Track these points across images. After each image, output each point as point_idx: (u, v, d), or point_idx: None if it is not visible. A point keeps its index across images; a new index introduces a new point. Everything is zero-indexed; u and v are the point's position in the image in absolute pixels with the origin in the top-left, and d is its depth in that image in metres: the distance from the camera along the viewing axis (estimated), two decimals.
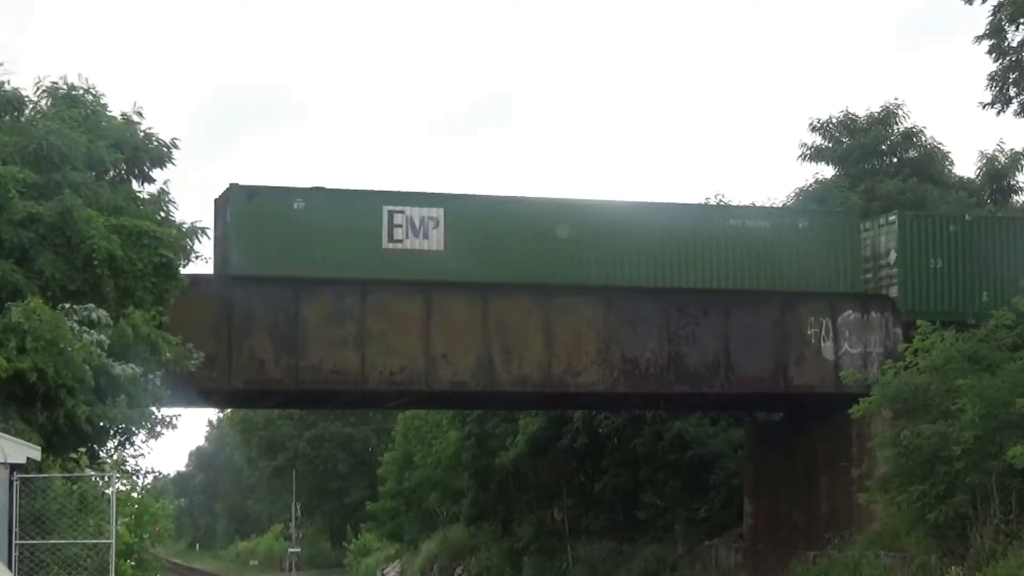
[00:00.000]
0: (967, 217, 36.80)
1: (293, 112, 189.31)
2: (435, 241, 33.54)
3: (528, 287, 34.89)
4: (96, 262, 24.54)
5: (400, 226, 33.53)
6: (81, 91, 28.61)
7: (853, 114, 44.23)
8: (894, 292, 35.79)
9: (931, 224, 36.28)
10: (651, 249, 34.89)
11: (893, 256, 35.46)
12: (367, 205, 33.55)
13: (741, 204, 38.60)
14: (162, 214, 27.63)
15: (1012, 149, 44.22)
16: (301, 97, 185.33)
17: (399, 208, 33.53)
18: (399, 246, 33.49)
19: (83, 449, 22.05)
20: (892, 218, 35.90)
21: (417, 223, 33.58)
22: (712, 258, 35.24)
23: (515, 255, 34.02)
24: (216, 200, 33.09)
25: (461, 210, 34.03)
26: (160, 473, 29.92)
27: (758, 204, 48.35)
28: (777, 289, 36.10)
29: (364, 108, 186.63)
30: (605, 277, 34.69)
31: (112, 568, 20.13)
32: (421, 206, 33.80)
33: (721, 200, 48.71)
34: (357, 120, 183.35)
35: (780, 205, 45.22)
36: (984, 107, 35.71)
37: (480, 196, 35.20)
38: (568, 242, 34.16)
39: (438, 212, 33.67)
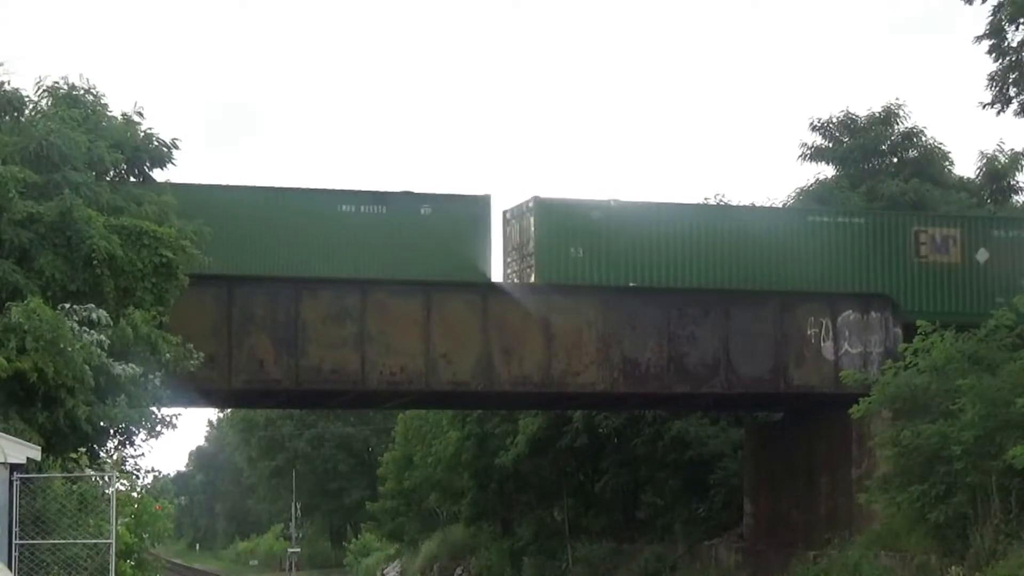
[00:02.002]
0: (612, 203, 35.52)
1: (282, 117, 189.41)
2: None
3: (529, 286, 34.97)
4: (96, 262, 24.54)
5: None
6: (81, 91, 28.60)
7: (854, 114, 44.26)
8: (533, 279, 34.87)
9: (573, 211, 34.97)
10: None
11: (532, 244, 34.54)
12: None
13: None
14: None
15: (1012, 149, 44.22)
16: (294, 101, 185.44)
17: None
18: None
19: (83, 449, 22.03)
20: (532, 205, 34.81)
21: None
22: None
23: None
24: None
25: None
26: (160, 473, 29.93)
27: (758, 204, 48.49)
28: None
29: (363, 110, 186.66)
30: None
31: (112, 568, 20.12)
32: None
33: (722, 200, 48.77)
34: (356, 124, 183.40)
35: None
36: (984, 107, 35.72)
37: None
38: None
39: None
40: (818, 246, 36.40)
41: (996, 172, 44.29)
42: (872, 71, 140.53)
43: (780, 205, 45.38)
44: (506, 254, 35.66)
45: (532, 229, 34.63)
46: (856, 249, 36.57)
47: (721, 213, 37.06)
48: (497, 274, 35.40)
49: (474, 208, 34.30)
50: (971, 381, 28.95)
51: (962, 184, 44.00)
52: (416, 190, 34.73)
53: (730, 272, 35.71)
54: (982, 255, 37.17)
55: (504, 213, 35.73)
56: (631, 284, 35.10)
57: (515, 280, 35.23)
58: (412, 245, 33.11)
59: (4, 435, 19.66)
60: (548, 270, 34.53)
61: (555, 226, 34.59)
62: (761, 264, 35.94)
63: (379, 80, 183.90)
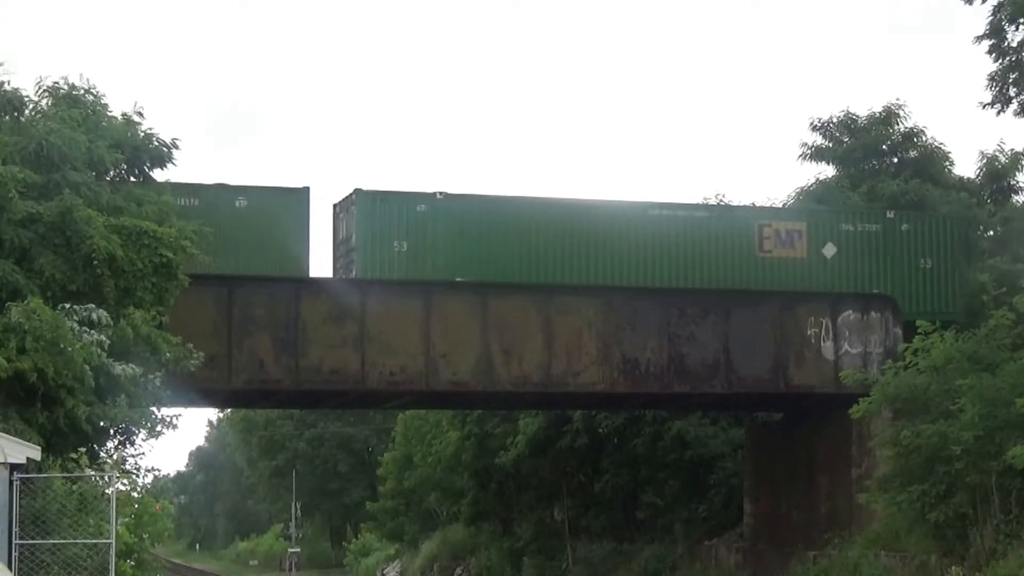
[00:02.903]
0: (439, 195, 34.42)
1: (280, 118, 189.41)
2: None
3: (529, 287, 34.98)
4: (96, 262, 24.53)
5: None
6: (81, 91, 28.60)
7: (854, 114, 44.18)
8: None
9: (396, 204, 33.96)
10: None
11: (354, 239, 33.71)
12: None
13: None
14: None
15: (1012, 149, 44.15)
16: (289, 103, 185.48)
17: None
18: None
19: (83, 449, 22.04)
20: (354, 198, 33.95)
21: None
22: None
23: None
24: None
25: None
26: (160, 473, 29.95)
27: (759, 204, 48.47)
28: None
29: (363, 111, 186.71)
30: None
31: (112, 568, 20.12)
32: None
33: (722, 200, 48.76)
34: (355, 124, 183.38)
35: None
36: (984, 107, 35.70)
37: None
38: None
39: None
40: (659, 241, 35.53)
41: (996, 172, 44.22)
42: (872, 71, 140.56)
43: (781, 204, 45.31)
44: (335, 248, 34.81)
45: (354, 222, 33.88)
46: (697, 243, 35.73)
47: (558, 206, 35.50)
48: (324, 268, 34.62)
49: (291, 201, 33.44)
50: (971, 381, 28.95)
51: (962, 184, 43.92)
52: (232, 183, 33.62)
53: (560, 267, 34.81)
54: (829, 250, 36.63)
55: (333, 207, 34.93)
56: (457, 280, 34.26)
57: (342, 275, 34.36)
58: (225, 237, 31.45)
59: (4, 435, 19.66)
60: (369, 264, 33.73)
61: (377, 219, 33.71)
62: (597, 258, 35.10)
63: (379, 80, 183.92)
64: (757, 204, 43.71)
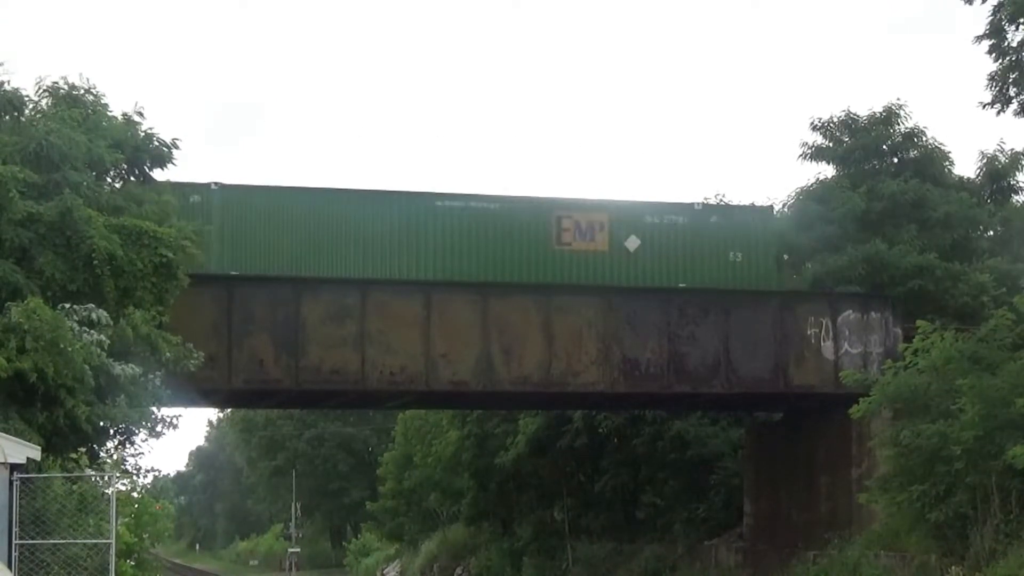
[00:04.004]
0: (213, 186, 33.46)
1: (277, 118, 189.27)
2: None
3: (529, 287, 34.97)
4: (96, 262, 24.54)
5: None
6: (81, 91, 28.61)
7: (854, 114, 44.10)
8: None
9: (172, 195, 31.82)
10: None
11: None
12: None
13: None
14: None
15: (1012, 149, 44.12)
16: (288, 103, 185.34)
17: None
18: None
19: (83, 449, 22.05)
20: None
21: None
22: None
23: None
24: None
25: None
26: (160, 473, 29.93)
27: (758, 204, 48.40)
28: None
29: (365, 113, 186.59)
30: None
31: (112, 568, 20.12)
32: None
33: (722, 200, 48.70)
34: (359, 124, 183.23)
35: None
36: (984, 107, 35.62)
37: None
38: None
39: None
40: (449, 233, 34.85)
41: (996, 172, 44.21)
42: (872, 71, 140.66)
43: (783, 204, 45.25)
44: None
45: None
46: (490, 236, 34.90)
47: (343, 197, 34.60)
48: None
49: None
50: (971, 381, 28.92)
51: (962, 184, 43.91)
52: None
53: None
54: (632, 242, 35.83)
55: None
56: (231, 273, 33.60)
57: None
58: None
59: (4, 435, 19.66)
60: None
61: None
62: (396, 250, 34.51)
63: (379, 79, 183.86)
64: (756, 204, 43.68)
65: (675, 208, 36.87)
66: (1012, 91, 34.68)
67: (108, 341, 23.38)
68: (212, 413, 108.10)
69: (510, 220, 35.42)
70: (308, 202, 34.66)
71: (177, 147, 29.20)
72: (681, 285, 36.01)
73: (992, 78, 34.95)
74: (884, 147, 44.46)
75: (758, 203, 47.13)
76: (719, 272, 36.53)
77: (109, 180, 27.84)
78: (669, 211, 36.58)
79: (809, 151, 44.54)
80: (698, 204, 37.17)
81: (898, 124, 44.32)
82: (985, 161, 44.37)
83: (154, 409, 24.90)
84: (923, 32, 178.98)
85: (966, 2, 35.24)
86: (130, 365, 23.72)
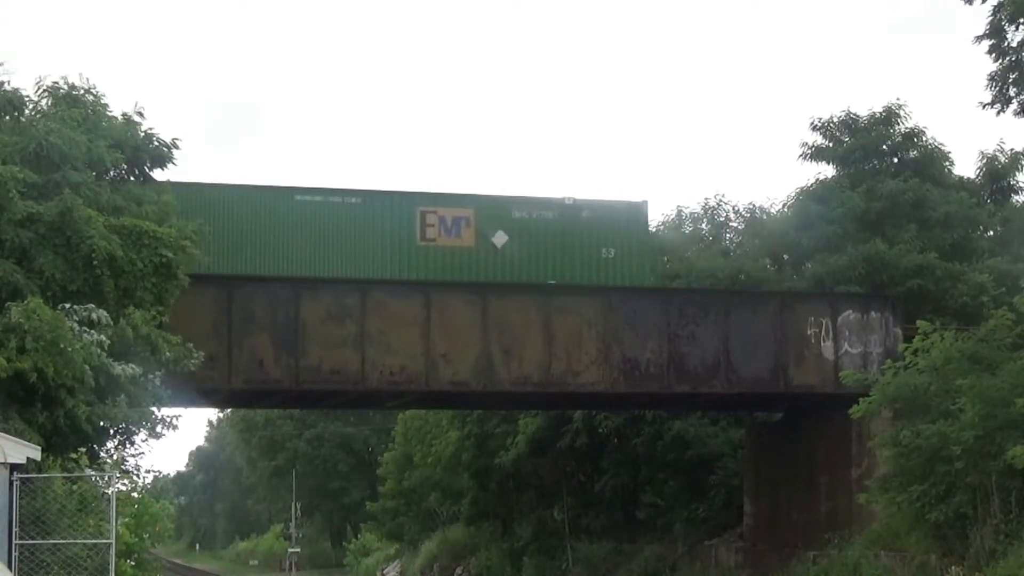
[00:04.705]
0: None
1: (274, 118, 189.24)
2: None
3: (529, 287, 34.94)
4: (96, 262, 24.53)
5: None
6: (81, 91, 28.59)
7: (855, 114, 44.20)
8: None
9: None
10: None
11: None
12: None
13: None
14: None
15: (1012, 149, 44.21)
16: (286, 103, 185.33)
17: None
18: None
19: (83, 449, 22.05)
20: None
21: None
22: None
23: None
24: None
25: None
26: (160, 473, 29.92)
27: (758, 204, 48.43)
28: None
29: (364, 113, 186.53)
30: None
31: (112, 568, 20.12)
32: None
33: (721, 200, 48.75)
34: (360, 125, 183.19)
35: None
36: (984, 107, 35.65)
37: None
38: None
39: None
40: (309, 228, 34.15)
41: (996, 172, 44.29)
42: (872, 71, 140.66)
43: (783, 204, 45.29)
44: None
45: None
46: (352, 231, 34.26)
47: (200, 191, 33.46)
48: None
49: None
50: (971, 381, 28.93)
51: (962, 184, 43.97)
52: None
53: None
54: (500, 238, 35.17)
55: None
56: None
57: None
58: None
59: (4, 435, 19.65)
60: None
61: None
62: (241, 246, 33.73)
63: (379, 79, 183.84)
64: (758, 204, 43.74)
65: (545, 203, 36.05)
66: (1012, 91, 34.69)
67: (108, 341, 23.38)
68: (212, 413, 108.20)
69: (372, 215, 34.57)
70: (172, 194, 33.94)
71: (177, 147, 29.21)
72: (551, 282, 35.15)
73: (992, 78, 34.96)
74: (884, 147, 44.53)
75: (757, 203, 47.28)
76: (591, 268, 35.71)
77: (109, 180, 27.80)
78: (538, 206, 35.79)
79: (809, 151, 44.62)
80: (569, 199, 36.20)
81: (898, 124, 44.40)
82: (985, 161, 44.44)
83: (154, 409, 24.89)
84: (923, 32, 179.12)
85: (966, 2, 35.25)
86: (130, 365, 23.71)
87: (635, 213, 36.43)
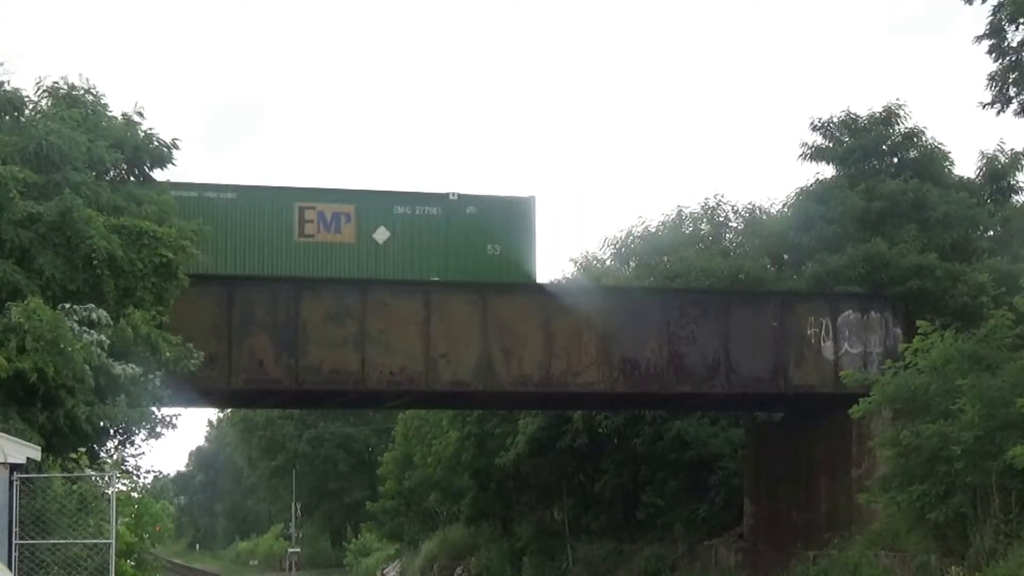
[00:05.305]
0: None
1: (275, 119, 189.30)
2: None
3: (530, 287, 34.94)
4: (96, 262, 24.53)
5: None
6: (81, 91, 28.59)
7: (854, 114, 44.17)
8: None
9: None
10: None
11: None
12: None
13: None
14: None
15: (1012, 149, 44.18)
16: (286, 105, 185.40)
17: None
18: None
19: (83, 449, 22.04)
20: None
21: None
22: None
23: None
24: None
25: None
26: (160, 473, 29.90)
27: (757, 204, 48.42)
28: None
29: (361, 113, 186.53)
30: None
31: (112, 568, 20.11)
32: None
33: (721, 200, 48.72)
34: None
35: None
36: (984, 107, 35.65)
37: None
38: None
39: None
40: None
41: (996, 172, 44.25)
42: (872, 71, 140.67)
43: (783, 204, 45.25)
44: None
45: None
46: (228, 227, 33.46)
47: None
48: None
49: None
50: (971, 381, 28.94)
51: (962, 184, 43.95)
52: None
53: None
54: (381, 234, 34.58)
55: None
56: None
57: None
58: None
59: (4, 435, 19.65)
60: None
61: None
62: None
63: (379, 79, 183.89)
64: (760, 205, 43.72)
65: (428, 199, 35.48)
66: (1012, 91, 34.70)
67: (108, 341, 23.37)
68: (212, 413, 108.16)
69: (249, 211, 33.96)
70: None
71: (177, 147, 29.20)
72: (435, 279, 34.76)
73: (992, 78, 34.96)
74: (884, 147, 44.51)
75: (757, 203, 47.26)
76: (477, 265, 35.13)
77: (109, 180, 27.79)
78: (421, 202, 35.21)
79: (809, 151, 44.60)
80: (453, 195, 35.51)
81: (898, 124, 44.38)
82: (985, 161, 44.41)
83: (154, 409, 24.88)
84: (923, 32, 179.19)
85: (966, 2, 35.26)
86: (130, 365, 23.70)
87: (522, 209, 35.78)
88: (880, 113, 44.34)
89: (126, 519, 22.61)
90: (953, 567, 28.79)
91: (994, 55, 34.81)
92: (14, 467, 19.55)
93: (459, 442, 55.74)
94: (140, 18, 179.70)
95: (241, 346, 32.78)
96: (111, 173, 28.01)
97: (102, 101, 28.81)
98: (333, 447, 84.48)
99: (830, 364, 36.63)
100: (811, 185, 43.88)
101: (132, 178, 29.00)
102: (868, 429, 34.71)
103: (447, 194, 35.48)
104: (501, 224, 35.37)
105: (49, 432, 22.09)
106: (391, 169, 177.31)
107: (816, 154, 44.54)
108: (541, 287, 33.96)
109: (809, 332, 36.80)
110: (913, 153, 44.56)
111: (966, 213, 41.76)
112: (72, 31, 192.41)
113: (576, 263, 52.93)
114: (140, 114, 29.03)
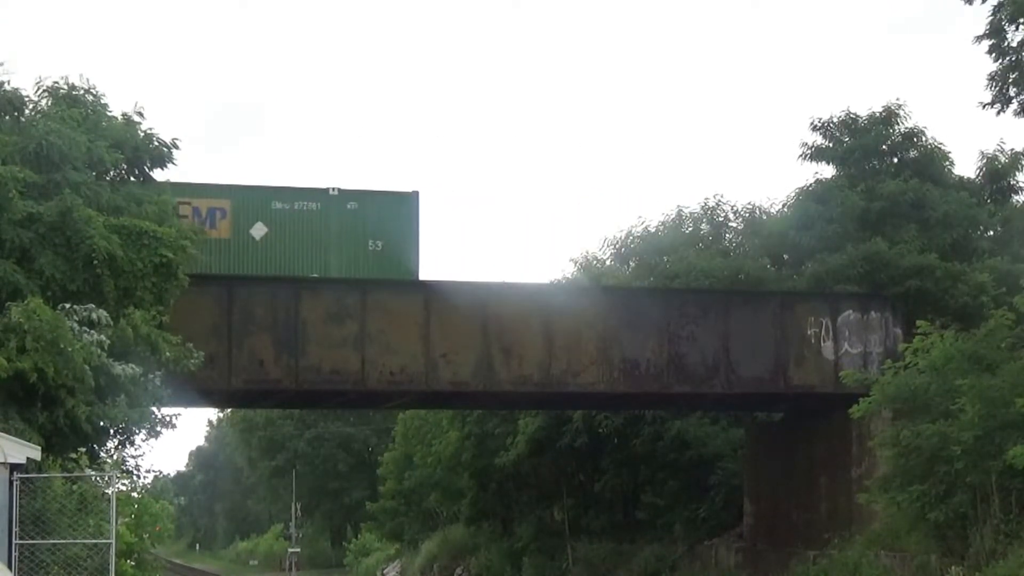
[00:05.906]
0: None
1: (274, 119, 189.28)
2: None
3: (529, 287, 34.95)
4: (96, 262, 24.53)
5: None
6: (81, 91, 28.59)
7: (854, 114, 44.15)
8: None
9: None
10: None
11: None
12: None
13: None
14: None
15: (1012, 149, 44.18)
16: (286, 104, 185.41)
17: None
18: None
19: (83, 449, 22.02)
20: None
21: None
22: None
23: None
24: None
25: None
26: (160, 473, 29.89)
27: (758, 204, 48.44)
28: None
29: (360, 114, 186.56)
30: None
31: (112, 568, 20.11)
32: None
33: (721, 200, 48.73)
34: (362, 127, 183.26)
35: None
36: (984, 107, 35.65)
37: None
38: None
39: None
40: None
41: (996, 172, 44.26)
42: (872, 71, 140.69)
43: (783, 204, 45.25)
44: None
45: None
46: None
47: None
48: None
49: None
50: (971, 381, 28.94)
51: (962, 184, 43.94)
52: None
53: None
54: (259, 230, 34.00)
55: None
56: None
57: None
58: None
59: (4, 435, 19.64)
60: None
61: None
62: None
63: (379, 79, 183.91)
64: (760, 205, 43.67)
65: (307, 194, 34.95)
66: (1012, 91, 34.69)
67: (108, 341, 23.36)
68: (212, 413, 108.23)
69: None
70: None
71: (177, 147, 29.20)
72: (314, 275, 34.23)
73: (992, 78, 34.96)
74: (884, 147, 44.49)
75: (757, 203, 47.25)
76: (357, 261, 34.65)
77: (109, 180, 27.79)
78: (300, 197, 34.68)
79: (809, 151, 44.58)
80: (333, 190, 35.02)
81: (898, 124, 44.36)
82: (985, 161, 44.41)
83: (154, 409, 24.88)
84: (923, 32, 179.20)
85: (966, 2, 35.26)
86: (130, 365, 23.69)
87: (404, 205, 35.25)
88: (880, 113, 44.32)
89: (126, 519, 22.60)
90: (953, 567, 28.79)
91: (994, 55, 34.81)
92: (14, 467, 19.55)
93: (459, 442, 55.77)
94: (140, 18, 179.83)
95: (241, 346, 32.79)
96: (111, 173, 28.01)
97: (102, 101, 28.82)
98: (333, 447, 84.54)
99: (830, 364, 36.64)
100: (811, 185, 43.86)
101: (132, 178, 29.00)
102: (868, 429, 34.71)
103: (327, 189, 34.97)
104: (383, 220, 34.79)
105: (49, 432, 22.09)
106: (391, 169, 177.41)
107: (816, 154, 44.51)
108: (423, 284, 33.56)
109: (809, 332, 36.81)
110: (913, 153, 44.54)
111: (966, 213, 41.75)
112: (72, 31, 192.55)
113: (576, 263, 52.99)
114: (140, 114, 29.06)
